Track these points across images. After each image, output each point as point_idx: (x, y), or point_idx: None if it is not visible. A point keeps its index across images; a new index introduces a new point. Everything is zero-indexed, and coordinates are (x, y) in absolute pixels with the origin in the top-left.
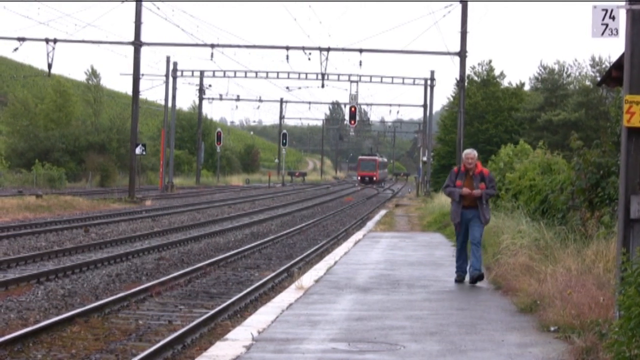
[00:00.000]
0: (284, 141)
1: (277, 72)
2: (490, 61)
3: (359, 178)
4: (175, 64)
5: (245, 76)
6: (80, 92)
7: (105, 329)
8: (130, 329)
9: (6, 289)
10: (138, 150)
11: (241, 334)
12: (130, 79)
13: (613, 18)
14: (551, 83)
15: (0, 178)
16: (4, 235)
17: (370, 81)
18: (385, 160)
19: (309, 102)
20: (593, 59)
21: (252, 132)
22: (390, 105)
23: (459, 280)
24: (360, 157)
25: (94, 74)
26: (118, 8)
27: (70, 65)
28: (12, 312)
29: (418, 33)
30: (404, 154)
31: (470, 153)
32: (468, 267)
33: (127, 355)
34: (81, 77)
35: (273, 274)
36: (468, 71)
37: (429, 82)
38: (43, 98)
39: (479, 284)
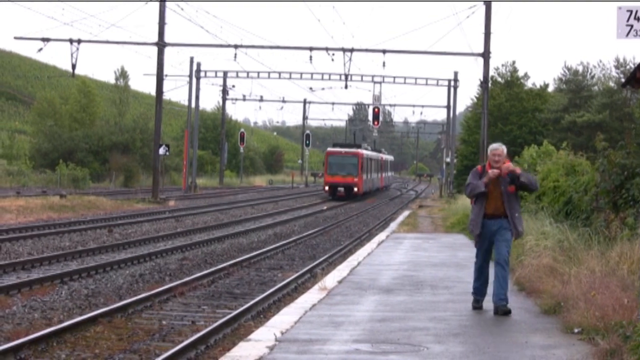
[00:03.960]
0: (307, 142)
1: (301, 73)
2: (514, 62)
3: (327, 188)
4: (198, 64)
5: (269, 77)
6: (104, 92)
7: (129, 329)
8: (154, 329)
9: (30, 289)
10: (161, 151)
11: (264, 335)
12: (154, 80)
13: (638, 19)
14: (575, 84)
15: (25, 178)
16: (28, 235)
17: (394, 82)
18: (389, 157)
19: (333, 103)
20: (617, 60)
21: (275, 133)
22: (414, 106)
23: (477, 307)
24: (330, 149)
25: (123, 74)
26: (142, 9)
27: (94, 66)
28: (36, 311)
29: (441, 34)
30: (427, 154)
31: (497, 148)
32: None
33: (151, 356)
34: (105, 77)
35: (296, 275)
36: (492, 72)
37: (452, 83)
38: (67, 98)
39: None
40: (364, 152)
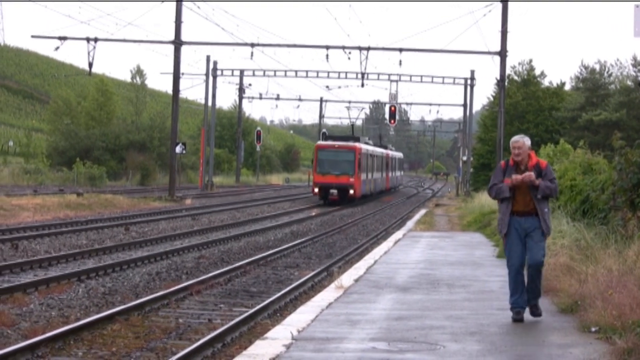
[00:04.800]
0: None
1: (317, 72)
2: (530, 60)
3: (317, 190)
4: (215, 63)
5: (285, 75)
6: (121, 91)
7: (146, 327)
8: (171, 327)
9: (47, 287)
10: (178, 149)
11: (281, 333)
12: (170, 78)
13: None
14: (592, 83)
15: (42, 176)
16: (45, 234)
17: (410, 80)
18: (397, 154)
19: (349, 102)
20: (635, 58)
21: (291, 131)
22: (430, 104)
23: (518, 319)
24: (320, 143)
25: (139, 73)
26: (159, 7)
27: (111, 64)
28: (53, 309)
29: (458, 32)
30: (443, 153)
31: (517, 141)
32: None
33: (167, 354)
34: (122, 75)
35: (313, 273)
36: (508, 71)
37: (469, 81)
38: (85, 97)
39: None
40: (363, 146)
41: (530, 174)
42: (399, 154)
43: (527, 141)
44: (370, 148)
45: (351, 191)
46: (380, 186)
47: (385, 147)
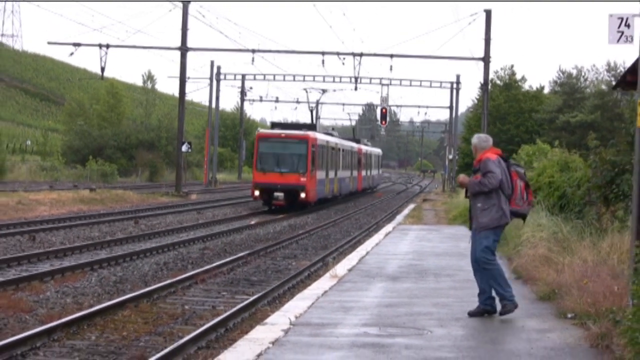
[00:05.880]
0: None
1: (314, 76)
2: (512, 66)
3: (257, 193)
4: (219, 67)
5: (284, 79)
6: (132, 94)
7: (154, 313)
8: (177, 313)
9: (62, 276)
10: (184, 148)
11: (279, 319)
12: (177, 82)
13: (628, 26)
14: (569, 87)
15: (57, 173)
16: (61, 226)
17: (400, 84)
18: (375, 150)
19: (343, 104)
20: (609, 64)
21: None
22: (419, 106)
23: (516, 307)
24: (261, 131)
25: (150, 77)
26: (166, 16)
27: (122, 69)
28: (67, 297)
29: (445, 39)
30: (431, 152)
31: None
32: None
33: (174, 338)
34: (132, 79)
35: (309, 264)
36: (491, 75)
37: (454, 85)
38: (98, 99)
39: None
40: (320, 136)
41: (459, 177)
42: (377, 150)
43: (474, 140)
44: (333, 140)
45: (302, 194)
46: (349, 187)
47: (358, 142)
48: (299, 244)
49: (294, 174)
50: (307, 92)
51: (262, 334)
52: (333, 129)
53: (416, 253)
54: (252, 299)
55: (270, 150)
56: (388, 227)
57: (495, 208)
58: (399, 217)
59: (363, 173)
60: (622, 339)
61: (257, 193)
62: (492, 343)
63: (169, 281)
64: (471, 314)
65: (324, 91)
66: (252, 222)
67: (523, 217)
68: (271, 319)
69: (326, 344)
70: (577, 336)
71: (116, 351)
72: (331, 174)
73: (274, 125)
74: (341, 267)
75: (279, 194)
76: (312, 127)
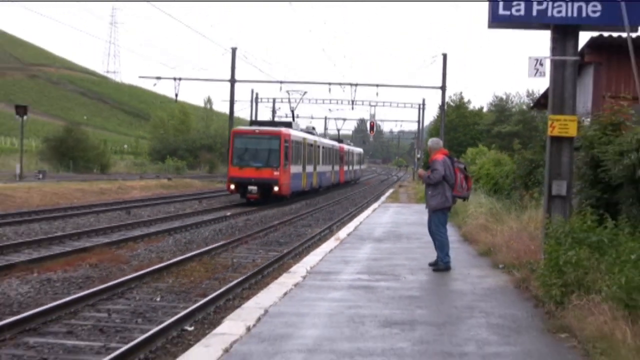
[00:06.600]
0: None
1: (323, 99)
2: (461, 92)
3: (232, 187)
4: (257, 93)
5: (302, 102)
6: (196, 112)
7: (212, 264)
8: (228, 264)
9: (149, 238)
10: None
11: (299, 269)
12: (228, 104)
13: (542, 65)
14: (500, 107)
15: (145, 167)
16: (148, 204)
17: (384, 105)
18: (356, 149)
19: (344, 119)
20: (528, 90)
21: None
22: (397, 121)
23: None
24: (237, 128)
25: (209, 101)
26: (220, 57)
27: (190, 95)
28: (152, 253)
29: (414, 73)
30: (404, 152)
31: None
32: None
33: (227, 281)
34: (196, 102)
35: (320, 230)
36: (447, 99)
37: (421, 106)
38: (173, 116)
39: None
40: (292, 132)
41: (419, 172)
42: (359, 149)
43: (430, 143)
44: (312, 137)
45: (275, 188)
46: (330, 180)
47: (341, 141)
48: (312, 217)
49: (267, 168)
50: (327, 117)
51: (287, 279)
52: (314, 128)
53: (394, 223)
54: (280, 254)
55: (244, 146)
56: (375, 205)
57: (440, 195)
58: (383, 198)
59: (345, 168)
60: (537, 282)
61: (232, 187)
62: (446, 285)
63: (222, 242)
64: (431, 265)
65: (330, 110)
66: (228, 214)
67: (465, 199)
68: (293, 268)
69: (332, 286)
70: (505, 280)
71: (186, 291)
72: (309, 169)
73: (253, 123)
74: (342, 233)
75: (253, 188)
76: (289, 125)
